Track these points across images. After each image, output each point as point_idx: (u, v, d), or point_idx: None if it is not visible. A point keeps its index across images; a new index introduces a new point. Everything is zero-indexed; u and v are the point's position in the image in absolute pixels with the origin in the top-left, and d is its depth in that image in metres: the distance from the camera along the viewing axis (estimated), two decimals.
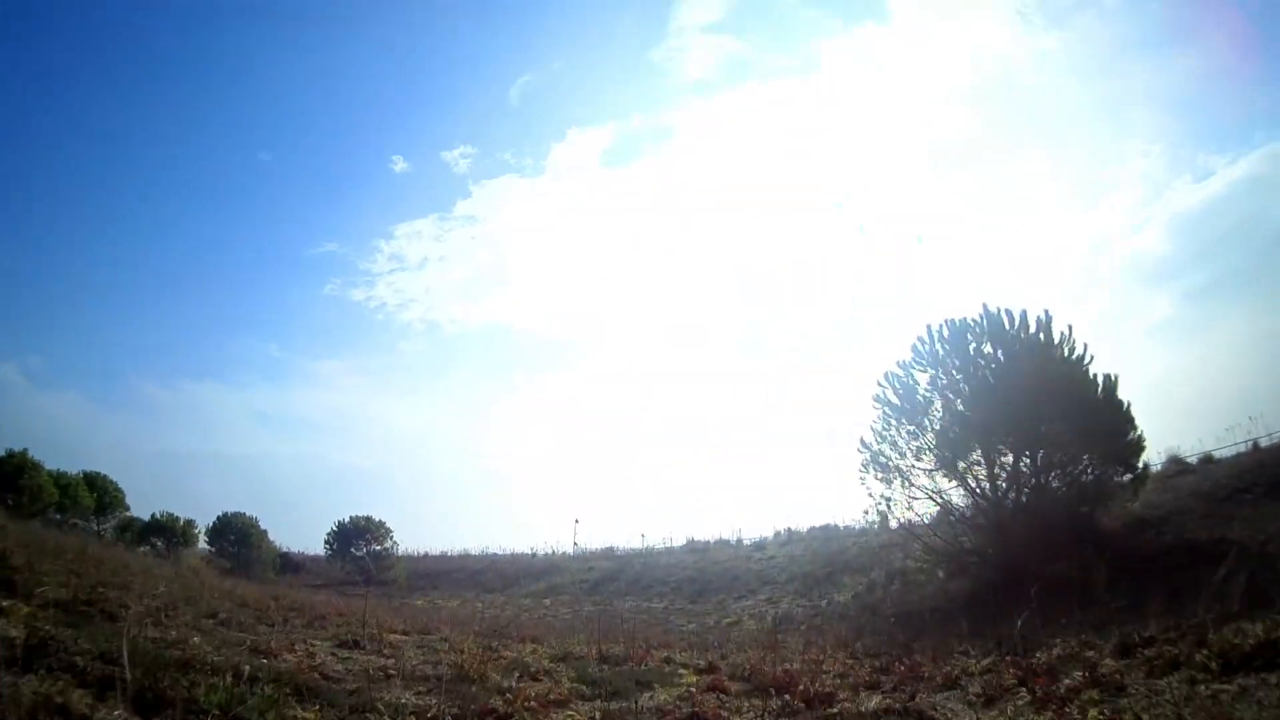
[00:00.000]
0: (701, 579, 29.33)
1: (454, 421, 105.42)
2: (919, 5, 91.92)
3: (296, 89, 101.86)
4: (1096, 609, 13.74)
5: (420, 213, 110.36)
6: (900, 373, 20.86)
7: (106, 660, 5.79)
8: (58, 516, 31.40)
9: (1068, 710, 6.43)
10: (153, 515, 35.12)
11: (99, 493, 34.05)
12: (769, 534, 34.89)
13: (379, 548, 38.04)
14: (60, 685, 5.19)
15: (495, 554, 40.92)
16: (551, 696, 6.95)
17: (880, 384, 21.08)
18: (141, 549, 31.25)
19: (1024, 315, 19.98)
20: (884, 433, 20.92)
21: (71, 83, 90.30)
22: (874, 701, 7.22)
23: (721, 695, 7.50)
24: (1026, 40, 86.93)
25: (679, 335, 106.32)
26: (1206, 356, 71.23)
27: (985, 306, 20.32)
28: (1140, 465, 19.97)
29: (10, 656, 5.35)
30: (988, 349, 20.11)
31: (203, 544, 36.36)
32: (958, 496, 20.38)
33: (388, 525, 38.88)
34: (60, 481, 31.88)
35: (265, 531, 36.46)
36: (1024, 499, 19.56)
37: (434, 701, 6.33)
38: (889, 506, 20.94)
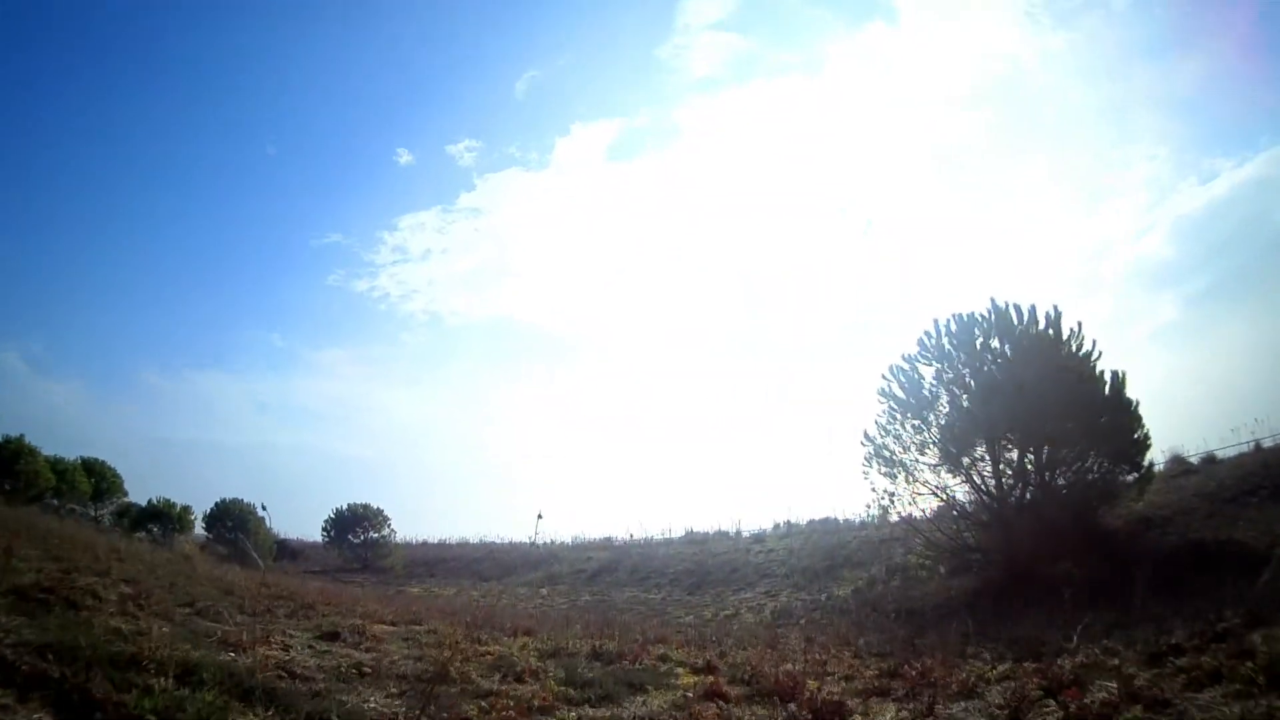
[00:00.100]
0: (700, 571, 28.74)
1: (455, 412, 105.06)
2: (926, 5, 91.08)
3: (303, 83, 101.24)
4: (1105, 610, 13.16)
5: (424, 205, 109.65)
6: (905, 366, 20.29)
7: (47, 655, 5.21)
8: (54, 502, 30.91)
9: None
10: (149, 501, 34.63)
11: (96, 478, 33.52)
12: (768, 526, 34.37)
13: (376, 535, 37.49)
14: None
15: (493, 542, 40.44)
16: (535, 702, 6.36)
17: (885, 377, 20.53)
18: (138, 535, 30.71)
19: (1033, 310, 19.44)
20: (888, 426, 20.37)
21: (78, 75, 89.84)
22: (889, 714, 6.64)
23: (720, 702, 6.90)
24: (1034, 41, 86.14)
25: (681, 330, 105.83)
26: (1209, 360, 70.61)
27: (993, 301, 19.80)
28: (1146, 464, 19.45)
29: None
30: (995, 344, 19.56)
31: (200, 530, 35.90)
32: (961, 492, 19.86)
33: (385, 513, 38.38)
34: (57, 467, 31.34)
35: (263, 518, 35.94)
36: (1028, 496, 19.01)
37: (401, 709, 5.76)
38: (892, 501, 20.41)
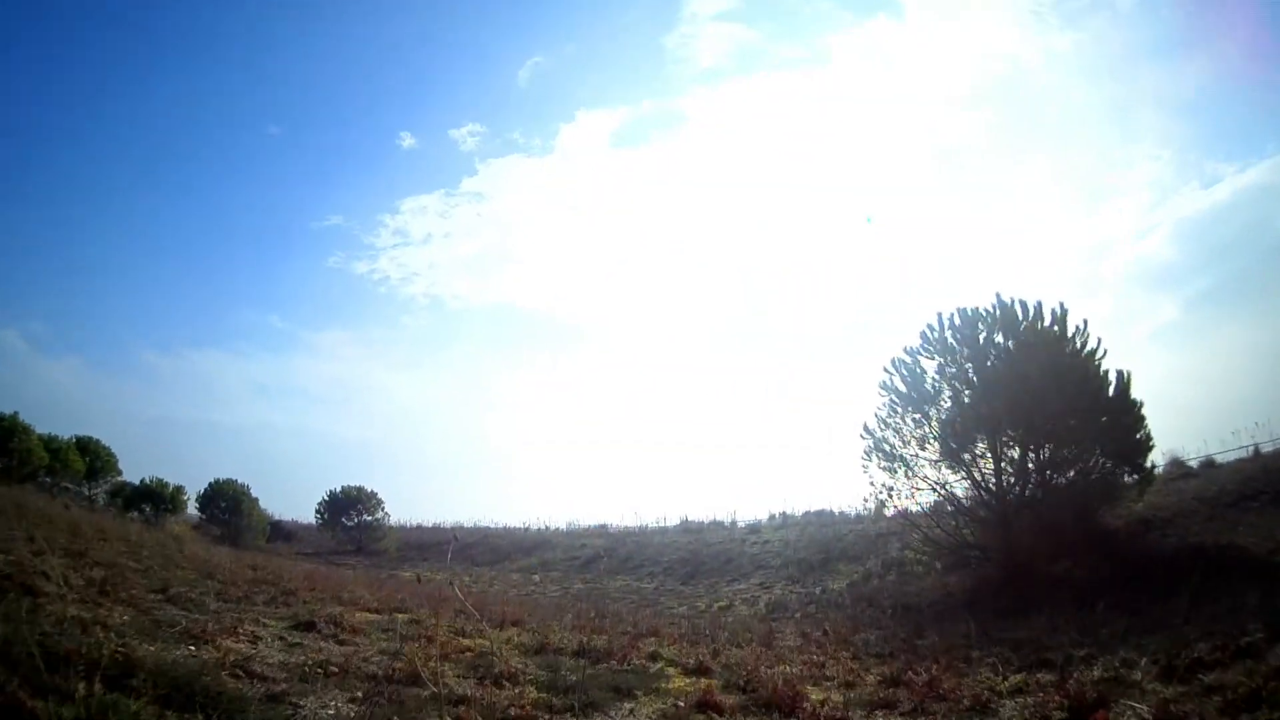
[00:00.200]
0: (694, 560, 28.30)
1: (455, 396, 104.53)
2: (931, 1, 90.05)
3: (307, 65, 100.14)
4: (1108, 614, 12.70)
5: (426, 188, 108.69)
6: (907, 359, 19.75)
7: None
8: (47, 480, 30.45)
9: None
10: (141, 481, 34.11)
11: (91, 457, 32.97)
12: (764, 517, 33.89)
13: (370, 518, 37.02)
14: None
15: (488, 527, 39.91)
16: (510, 712, 5.80)
17: (887, 370, 19.98)
18: (130, 515, 30.25)
19: (1038, 306, 18.88)
20: (888, 420, 19.86)
21: (79, 56, 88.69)
22: None
23: (714, 715, 6.35)
24: (1038, 40, 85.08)
25: (682, 320, 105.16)
26: (1208, 362, 70.00)
27: (998, 296, 19.25)
28: (1147, 466, 18.97)
29: None
30: (999, 339, 19.02)
31: (194, 511, 35.41)
32: (961, 489, 19.34)
33: (379, 496, 37.94)
34: (51, 445, 30.82)
35: (256, 499, 35.49)
36: (1029, 494, 18.51)
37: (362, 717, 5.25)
38: (890, 495, 19.90)
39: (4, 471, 27.65)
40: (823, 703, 6.65)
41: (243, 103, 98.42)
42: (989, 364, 18.86)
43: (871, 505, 21.12)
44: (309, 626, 8.60)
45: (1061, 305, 18.83)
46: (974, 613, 15.25)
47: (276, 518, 39.02)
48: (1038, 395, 17.71)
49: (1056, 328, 18.73)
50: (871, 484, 20.06)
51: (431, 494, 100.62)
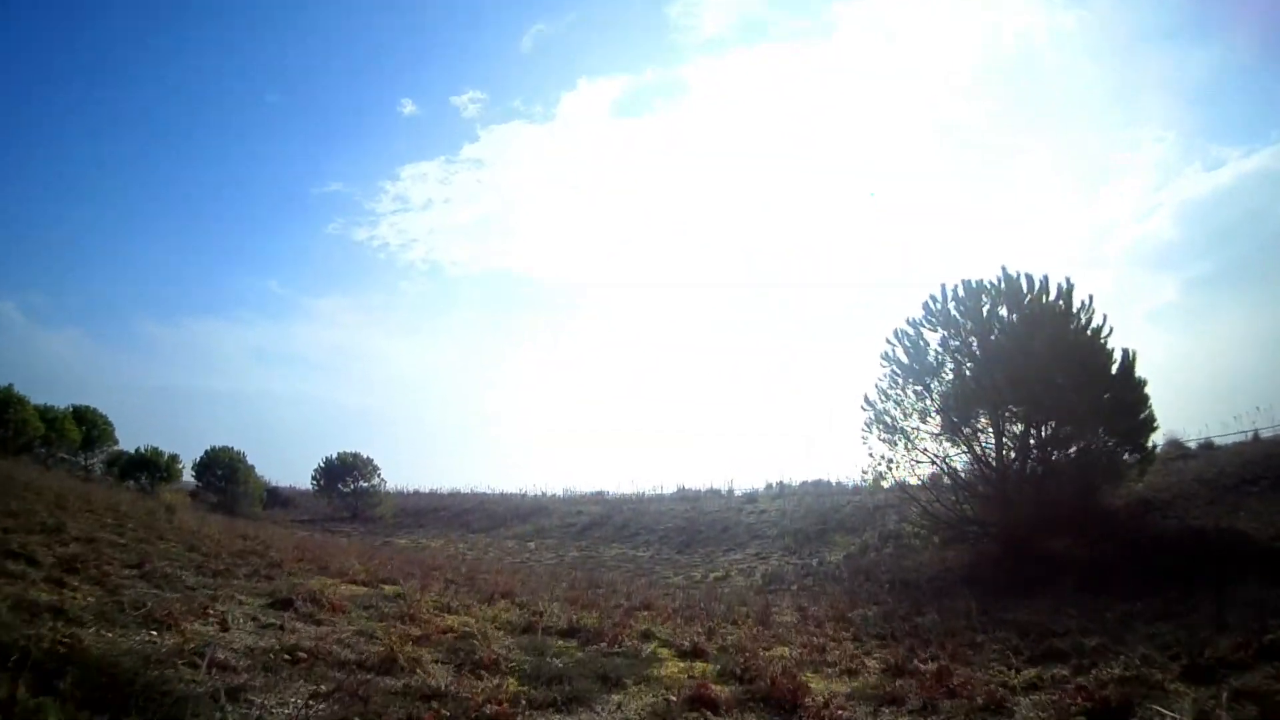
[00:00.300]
0: (690, 529, 27.94)
1: (453, 362, 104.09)
2: None
3: (307, 31, 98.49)
4: (1111, 598, 12.40)
5: (427, 155, 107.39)
6: (910, 330, 19.22)
7: None
8: (43, 451, 30.01)
9: None
10: (136, 449, 33.51)
11: (88, 427, 32.46)
12: (761, 486, 33.56)
13: (366, 485, 36.57)
14: None
15: (484, 493, 39.58)
16: (487, 709, 5.32)
17: (889, 341, 19.45)
18: (126, 484, 29.85)
19: (1044, 280, 18.31)
20: (889, 391, 19.37)
21: (78, 23, 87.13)
22: None
23: (709, 714, 5.87)
24: (1045, 18, 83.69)
25: (682, 289, 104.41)
26: (1205, 344, 69.61)
27: (1004, 269, 18.67)
28: (1149, 446, 18.52)
29: None
30: (1003, 312, 18.49)
31: (190, 479, 35.02)
32: (961, 463, 18.90)
33: (375, 462, 37.41)
34: (47, 416, 30.28)
35: (253, 466, 34.99)
36: (1030, 470, 18.06)
37: (321, 715, 4.79)
38: (890, 468, 19.45)
39: (0, 443, 27.26)
40: (826, 704, 6.16)
41: (242, 70, 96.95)
42: (992, 337, 18.36)
43: (870, 477, 20.64)
44: (286, 604, 8.14)
45: (1068, 280, 18.32)
46: (973, 589, 14.94)
47: (274, 484, 38.65)
48: (1042, 370, 17.23)
49: (1062, 303, 18.21)
50: (871, 456, 19.63)
51: (429, 460, 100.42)
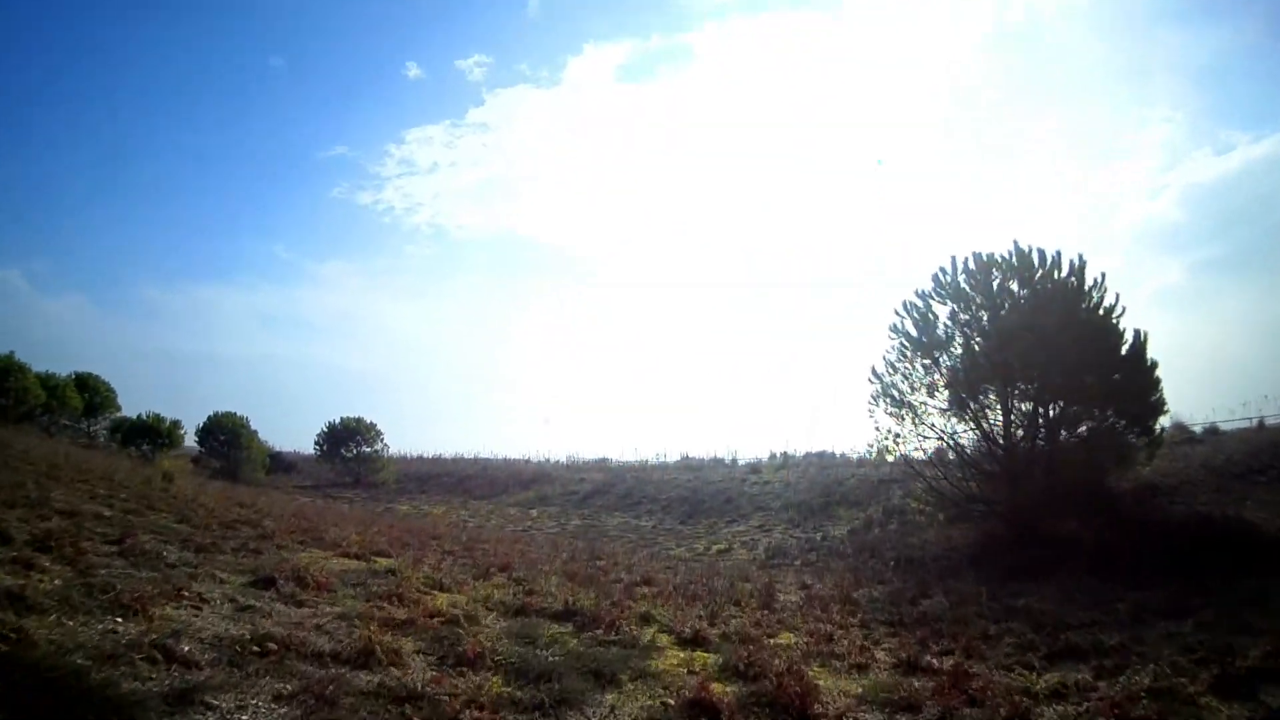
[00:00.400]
0: (694, 499, 27.57)
1: (458, 327, 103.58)
2: None
3: None
4: (1119, 585, 12.11)
5: (432, 119, 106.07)
6: (919, 303, 18.62)
7: None
8: (45, 419, 29.64)
9: None
10: (138, 416, 33.05)
11: (90, 393, 32.06)
12: (764, 456, 33.17)
13: (369, 450, 36.17)
14: None
15: (487, 459, 39.24)
16: (466, 715, 4.83)
17: (898, 313, 18.85)
18: (129, 450, 29.49)
19: (1056, 256, 17.74)
20: (897, 364, 18.81)
21: None
22: None
23: None
24: None
25: (688, 256, 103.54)
26: (1210, 329, 68.78)
27: (1015, 243, 18.10)
28: (1158, 429, 18.10)
29: None
30: (1014, 287, 17.96)
31: (194, 444, 34.73)
32: (969, 440, 18.40)
33: (379, 427, 36.92)
34: (48, 383, 29.88)
35: (255, 432, 34.58)
36: (1038, 449, 17.56)
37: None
38: (897, 442, 18.95)
39: (1, 411, 26.86)
40: (839, 717, 5.67)
41: (245, 34, 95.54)
42: (1003, 312, 17.80)
43: (876, 450, 20.16)
44: (268, 583, 7.69)
45: (1080, 257, 17.74)
46: (979, 571, 14.58)
47: (278, 449, 38.28)
48: (1053, 348, 16.71)
49: (1074, 280, 17.64)
50: (877, 429, 19.11)
51: (433, 425, 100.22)
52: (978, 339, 18.02)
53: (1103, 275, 17.61)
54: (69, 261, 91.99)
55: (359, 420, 36.31)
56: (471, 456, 40.00)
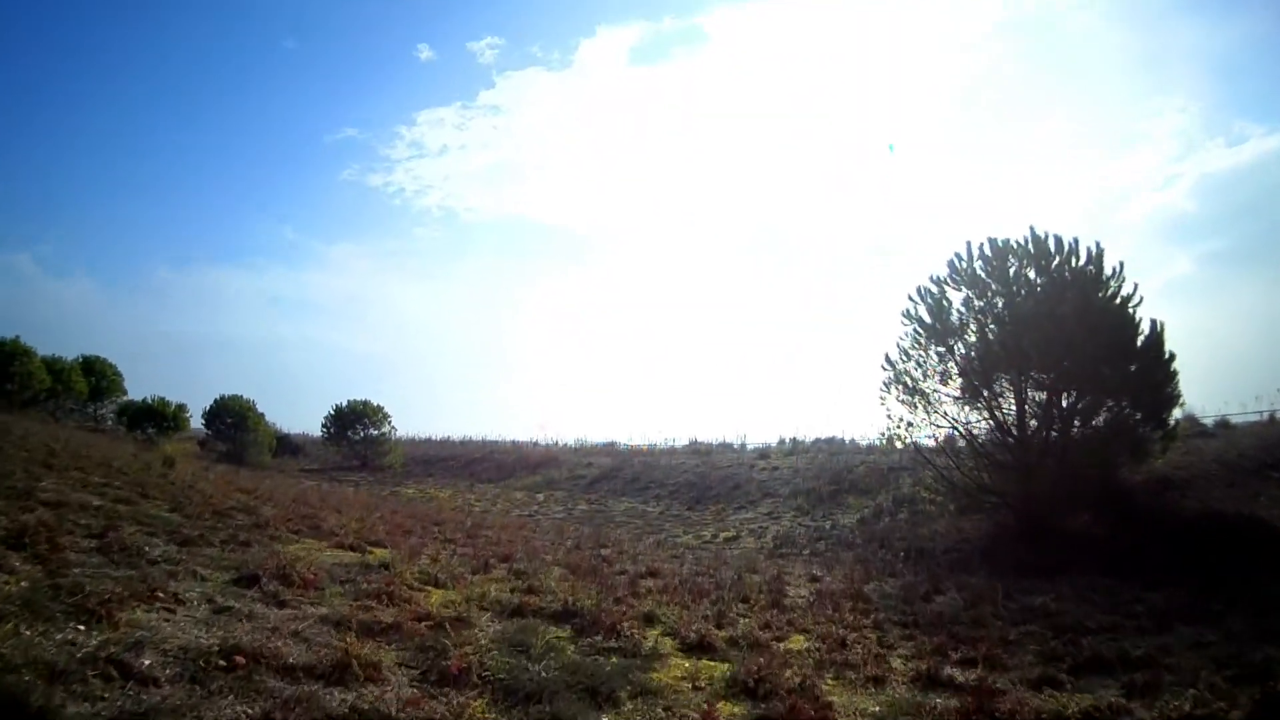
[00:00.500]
0: (702, 484, 27.11)
1: (467, 310, 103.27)
2: None
3: None
4: (1133, 584, 11.70)
5: (443, 101, 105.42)
6: (933, 288, 18.04)
7: None
8: (50, 403, 29.33)
9: None
10: (143, 399, 32.72)
11: (96, 377, 31.76)
12: (773, 441, 32.68)
13: (376, 433, 35.79)
14: None
15: (495, 441, 38.87)
16: None
17: (911, 299, 18.29)
18: (135, 434, 29.16)
19: (1074, 243, 17.15)
20: (910, 351, 18.27)
21: None
22: None
23: None
24: None
25: (698, 240, 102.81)
26: (1218, 321, 67.77)
27: (1031, 229, 17.54)
28: (1172, 422, 17.62)
29: None
30: (1030, 274, 17.38)
31: (201, 427, 34.46)
32: (981, 430, 17.83)
33: (386, 410, 36.45)
34: (54, 367, 29.57)
35: (263, 415, 34.19)
36: (1053, 440, 17.00)
37: None
38: (909, 430, 18.43)
39: (4, 396, 26.50)
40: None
41: (258, 16, 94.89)
42: (1019, 300, 17.22)
43: (888, 436, 19.61)
44: (252, 581, 7.23)
45: (1097, 244, 17.19)
46: (991, 564, 14.16)
47: (285, 432, 37.89)
48: (1069, 337, 16.16)
49: (1092, 268, 17.07)
50: (889, 417, 18.64)
51: (441, 407, 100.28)
52: (992, 326, 17.47)
53: (1121, 264, 17.10)
54: (77, 245, 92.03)
55: (366, 403, 35.93)
56: (479, 439, 39.69)
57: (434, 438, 40.97)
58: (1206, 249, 79.37)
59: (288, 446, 36.82)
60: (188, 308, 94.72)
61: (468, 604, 7.71)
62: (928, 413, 18.06)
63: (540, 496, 27.77)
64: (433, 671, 5.34)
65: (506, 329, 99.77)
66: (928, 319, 18.01)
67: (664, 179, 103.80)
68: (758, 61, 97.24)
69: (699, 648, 7.16)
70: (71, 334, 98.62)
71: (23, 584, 5.94)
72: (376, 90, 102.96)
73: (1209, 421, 22.60)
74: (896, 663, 7.35)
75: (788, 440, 32.33)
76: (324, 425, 36.22)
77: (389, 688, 5.11)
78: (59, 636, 5.06)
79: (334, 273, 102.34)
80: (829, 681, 6.43)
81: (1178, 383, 17.04)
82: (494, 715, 4.98)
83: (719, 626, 8.34)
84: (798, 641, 8.07)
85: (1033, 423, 17.24)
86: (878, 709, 5.94)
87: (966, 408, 17.84)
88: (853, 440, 30.26)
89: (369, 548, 10.66)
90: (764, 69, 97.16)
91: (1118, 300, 16.91)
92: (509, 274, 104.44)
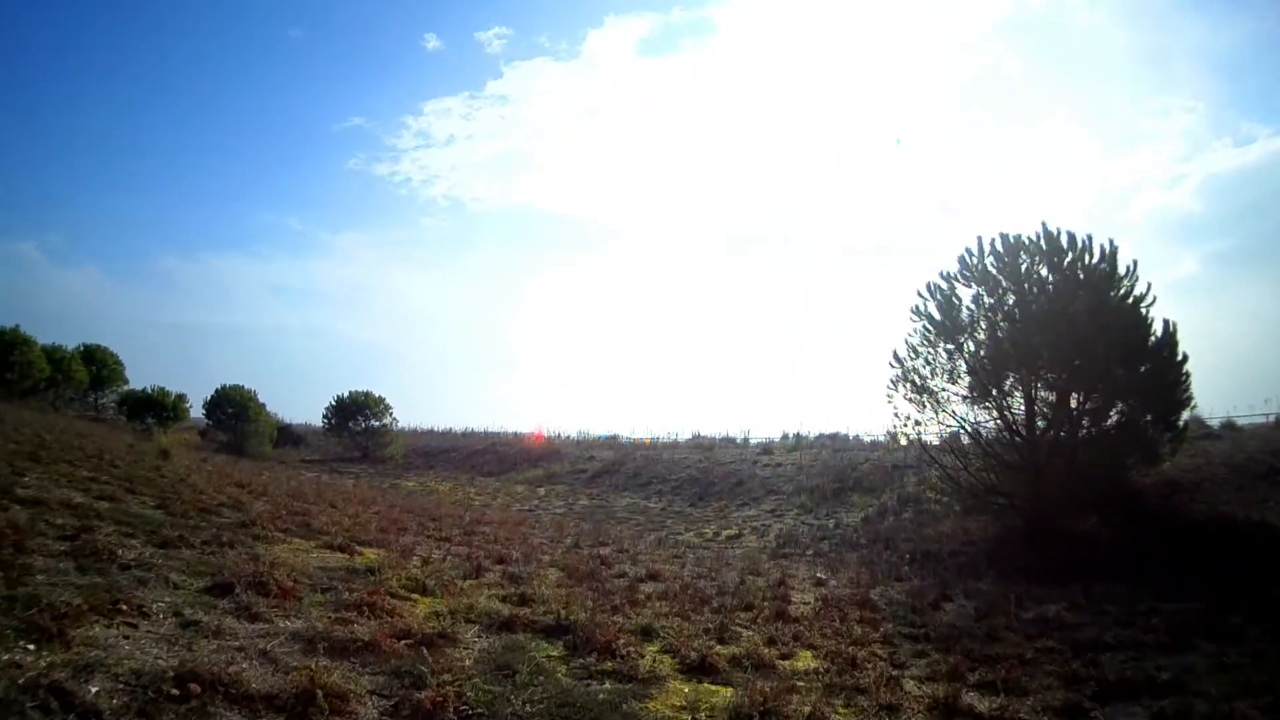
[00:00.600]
0: (704, 480, 26.70)
1: (472, 299, 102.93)
2: None
3: None
4: (1144, 592, 11.29)
5: (451, 91, 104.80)
6: (943, 285, 17.51)
7: None
8: (50, 392, 28.93)
9: None
10: (143, 389, 32.39)
11: (97, 366, 31.44)
12: (776, 436, 32.32)
13: (377, 424, 35.46)
14: None
15: (497, 433, 38.55)
16: None
17: (920, 295, 17.77)
18: (135, 424, 28.76)
19: (1087, 240, 16.68)
20: (919, 349, 17.79)
21: None
22: None
23: None
24: None
25: (705, 234, 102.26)
26: (1222, 322, 67.12)
27: (1044, 225, 17.09)
28: (1182, 424, 17.16)
29: None
30: (1042, 271, 16.91)
31: (201, 416, 34.11)
32: (989, 429, 17.36)
33: (387, 401, 36.21)
34: (54, 356, 29.26)
35: (264, 405, 33.80)
36: (1061, 441, 16.50)
37: None
38: (916, 429, 17.94)
39: (4, 385, 26.11)
40: None
41: (264, 6, 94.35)
42: (1030, 297, 16.72)
43: (897, 434, 19.13)
44: (226, 590, 6.73)
45: (1111, 242, 16.73)
46: (999, 569, 13.76)
47: (286, 422, 37.63)
48: (1081, 336, 15.71)
49: (1105, 266, 16.55)
50: (896, 415, 18.17)
51: (444, 398, 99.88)
52: (1003, 324, 16.98)
53: (1135, 263, 16.61)
54: (84, 234, 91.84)
55: (368, 394, 35.58)
56: (481, 431, 39.36)
57: (436, 429, 40.74)
58: (1212, 249, 78.76)
59: (289, 437, 36.49)
60: (193, 296, 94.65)
61: (454, 617, 7.21)
62: (935, 411, 17.61)
63: (541, 490, 27.37)
64: (405, 705, 4.83)
65: (511, 322, 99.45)
66: (937, 316, 17.51)
67: (670, 173, 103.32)
68: (764, 57, 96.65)
69: (699, 668, 6.64)
70: (77, 323, 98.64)
71: None
72: (383, 80, 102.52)
73: (1215, 423, 22.21)
74: (910, 685, 6.86)
75: (791, 436, 31.97)
76: (325, 416, 35.91)
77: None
78: (4, 658, 4.58)
79: (339, 262, 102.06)
80: (839, 710, 5.93)
81: (1190, 384, 16.64)
82: None
83: (721, 641, 7.85)
84: (805, 659, 7.58)
85: (1041, 423, 16.79)
86: None
87: (975, 407, 17.39)
88: (857, 437, 29.92)
89: (359, 548, 10.16)
90: (770, 65, 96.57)
91: (1131, 300, 16.44)
92: (515, 264, 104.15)
